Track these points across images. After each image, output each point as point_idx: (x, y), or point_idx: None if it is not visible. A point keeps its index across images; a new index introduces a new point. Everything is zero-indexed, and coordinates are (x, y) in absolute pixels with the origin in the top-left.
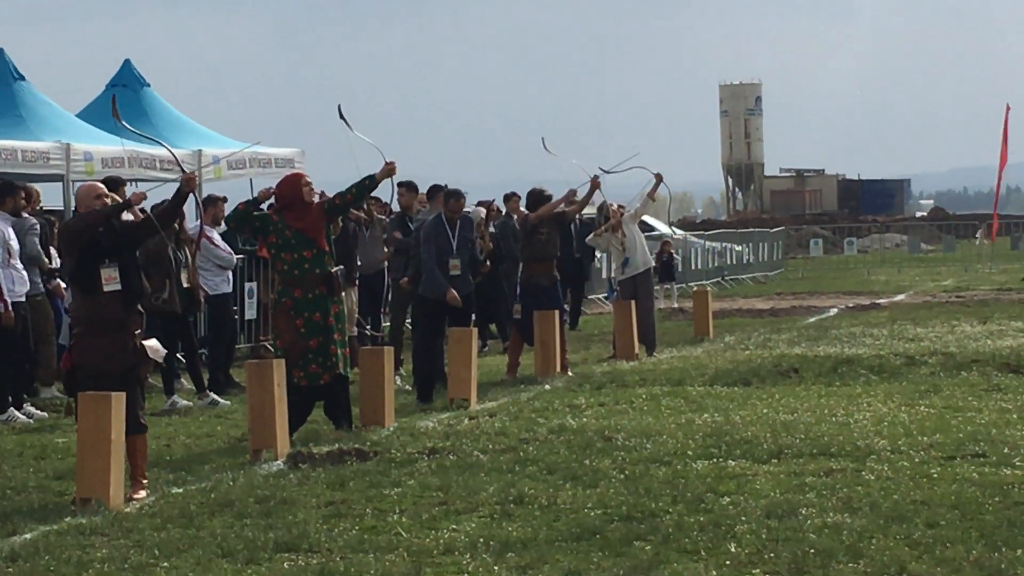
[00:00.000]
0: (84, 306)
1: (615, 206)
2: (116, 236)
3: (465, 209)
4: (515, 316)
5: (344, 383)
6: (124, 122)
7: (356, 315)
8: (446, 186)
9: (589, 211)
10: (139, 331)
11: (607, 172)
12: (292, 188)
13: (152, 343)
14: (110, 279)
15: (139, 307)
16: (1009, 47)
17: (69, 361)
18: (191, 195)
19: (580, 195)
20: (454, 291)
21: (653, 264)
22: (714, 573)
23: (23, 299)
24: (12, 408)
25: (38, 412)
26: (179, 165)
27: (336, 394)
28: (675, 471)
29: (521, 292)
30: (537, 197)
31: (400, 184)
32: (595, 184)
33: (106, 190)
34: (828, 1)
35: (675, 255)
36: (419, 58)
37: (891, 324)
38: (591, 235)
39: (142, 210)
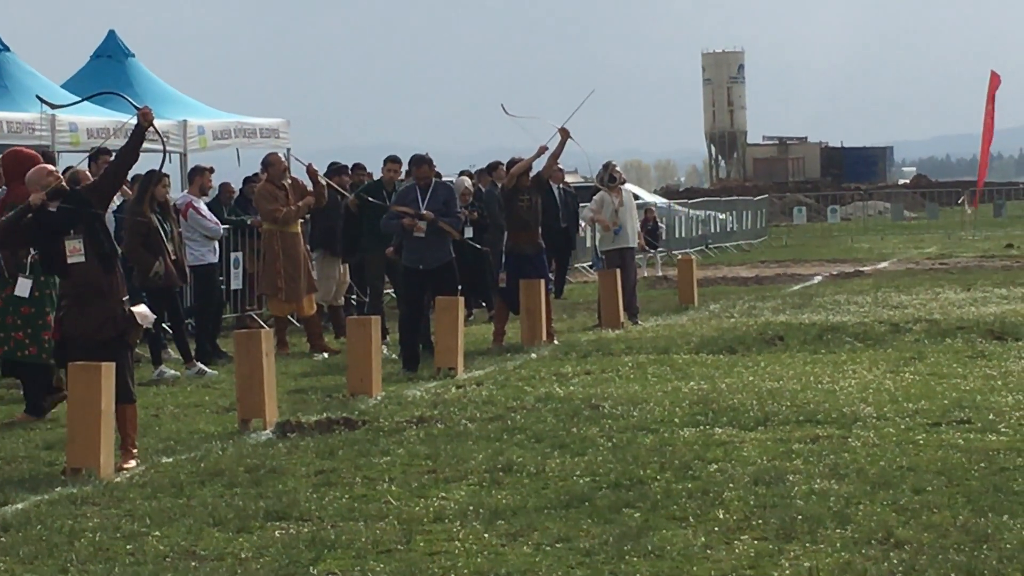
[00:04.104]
0: (66, 280)
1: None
2: (52, 217)
3: (449, 179)
4: (500, 285)
5: (17, 370)
6: (51, 102)
7: (346, 286)
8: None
9: (575, 179)
10: (126, 297)
11: (508, 115)
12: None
13: (141, 309)
14: (74, 251)
15: (121, 271)
16: (992, 14)
17: (58, 332)
18: (172, 160)
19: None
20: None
21: (638, 242)
22: (703, 539)
23: None
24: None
25: None
26: (130, 101)
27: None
28: (662, 438)
29: (506, 261)
30: None
31: (389, 159)
32: (564, 134)
33: (52, 168)
34: None
35: (660, 223)
36: (400, 26)
37: (875, 291)
38: (586, 209)
39: (60, 191)
